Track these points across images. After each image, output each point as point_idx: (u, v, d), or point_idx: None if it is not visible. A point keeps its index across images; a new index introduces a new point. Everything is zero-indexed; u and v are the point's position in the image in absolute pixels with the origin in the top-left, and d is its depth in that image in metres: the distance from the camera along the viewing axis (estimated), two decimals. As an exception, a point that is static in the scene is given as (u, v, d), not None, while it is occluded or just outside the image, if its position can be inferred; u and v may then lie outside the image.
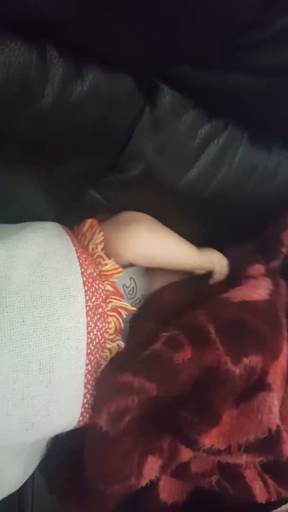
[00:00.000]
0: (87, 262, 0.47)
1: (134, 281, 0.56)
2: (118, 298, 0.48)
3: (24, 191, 0.52)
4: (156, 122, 0.48)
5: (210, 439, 0.43)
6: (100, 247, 0.50)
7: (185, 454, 0.47)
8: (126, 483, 0.46)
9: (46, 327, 0.41)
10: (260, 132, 0.55)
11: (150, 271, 0.60)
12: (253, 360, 0.44)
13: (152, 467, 0.46)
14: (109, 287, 0.47)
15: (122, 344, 0.47)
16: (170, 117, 0.48)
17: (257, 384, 0.45)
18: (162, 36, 0.40)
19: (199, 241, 0.58)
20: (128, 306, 0.48)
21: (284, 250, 0.59)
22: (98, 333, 0.44)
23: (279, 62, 0.43)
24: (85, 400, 0.44)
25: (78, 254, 0.47)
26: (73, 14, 0.37)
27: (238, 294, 0.51)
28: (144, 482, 0.46)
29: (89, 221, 0.52)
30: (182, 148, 0.51)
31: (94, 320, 0.44)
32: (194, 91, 0.47)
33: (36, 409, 0.41)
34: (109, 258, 0.49)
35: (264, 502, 0.54)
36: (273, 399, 0.44)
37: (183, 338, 0.45)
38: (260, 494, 0.54)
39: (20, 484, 0.48)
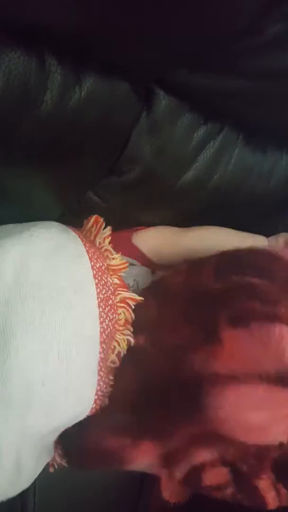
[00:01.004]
0: (96, 256, 0.48)
1: (137, 282, 0.57)
2: (125, 290, 0.49)
3: (24, 194, 0.53)
4: (153, 126, 0.49)
5: (223, 362, 0.42)
6: (107, 241, 0.51)
7: (200, 456, 0.46)
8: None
9: (63, 317, 0.42)
10: (255, 134, 0.56)
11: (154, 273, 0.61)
12: (258, 282, 0.44)
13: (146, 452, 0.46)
14: (116, 281, 0.48)
15: (131, 339, 0.47)
16: (167, 120, 0.49)
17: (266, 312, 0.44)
18: (158, 42, 0.41)
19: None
20: (135, 296, 0.49)
21: None
22: (110, 324, 0.46)
23: (273, 67, 0.43)
24: (98, 388, 0.46)
25: (87, 248, 0.48)
26: (71, 23, 0.38)
27: None
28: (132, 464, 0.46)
29: (93, 217, 0.53)
30: (179, 151, 0.52)
31: (105, 311, 0.46)
32: (190, 95, 0.48)
33: (55, 395, 0.42)
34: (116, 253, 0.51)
35: (274, 508, 0.54)
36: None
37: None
38: (272, 502, 0.54)
39: (33, 479, 0.49)
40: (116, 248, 0.56)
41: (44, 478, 0.52)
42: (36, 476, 0.49)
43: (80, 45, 0.40)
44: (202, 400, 0.43)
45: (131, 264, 0.57)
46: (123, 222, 0.60)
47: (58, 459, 0.51)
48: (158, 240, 0.61)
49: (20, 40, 0.37)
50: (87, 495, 0.67)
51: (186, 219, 0.62)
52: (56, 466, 0.52)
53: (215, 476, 0.53)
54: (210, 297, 0.45)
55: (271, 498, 0.53)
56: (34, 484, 0.61)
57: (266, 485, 0.53)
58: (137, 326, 0.48)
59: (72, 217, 0.58)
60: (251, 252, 0.50)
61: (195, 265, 0.50)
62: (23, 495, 0.63)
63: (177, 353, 0.44)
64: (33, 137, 0.43)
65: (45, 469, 0.53)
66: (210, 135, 0.53)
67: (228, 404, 0.43)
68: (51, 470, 0.52)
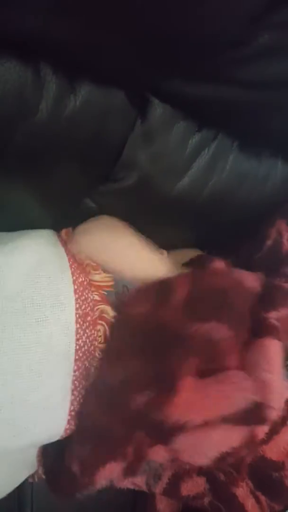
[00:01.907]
0: (79, 271, 0.48)
1: (127, 289, 0.57)
2: (103, 303, 0.48)
3: (21, 201, 0.54)
4: (148, 133, 0.49)
5: (174, 411, 0.41)
6: (83, 255, 0.50)
7: (155, 453, 0.45)
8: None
9: (37, 332, 0.42)
10: (250, 140, 0.57)
11: None
12: (219, 331, 0.43)
13: (111, 471, 0.45)
14: (96, 297, 0.48)
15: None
16: (161, 128, 0.49)
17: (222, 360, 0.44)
18: (152, 52, 0.42)
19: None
20: (109, 312, 0.48)
21: (269, 242, 0.59)
22: (87, 340, 0.45)
23: (264, 76, 0.44)
24: (72, 407, 0.45)
25: (71, 262, 0.48)
26: (66, 33, 0.39)
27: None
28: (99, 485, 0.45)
29: (63, 231, 0.53)
30: (174, 158, 0.52)
31: (83, 328, 0.45)
32: (184, 103, 0.48)
33: (24, 414, 0.41)
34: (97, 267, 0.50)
35: None
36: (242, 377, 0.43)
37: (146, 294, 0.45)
38: (253, 510, 0.54)
39: (6, 493, 0.48)
40: None
41: (42, 481, 0.52)
42: (10, 489, 0.49)
43: (75, 54, 0.41)
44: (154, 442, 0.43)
45: None
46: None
47: (40, 471, 0.50)
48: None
49: (16, 50, 0.38)
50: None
51: (182, 226, 0.62)
52: (36, 479, 0.51)
53: (193, 486, 0.54)
54: (175, 339, 0.43)
55: (250, 506, 0.54)
56: (31, 486, 0.61)
57: (244, 493, 0.53)
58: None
59: (69, 223, 0.59)
60: (224, 290, 0.48)
61: (162, 294, 0.46)
62: (20, 497, 0.62)
63: (124, 389, 0.43)
64: (28, 145, 0.43)
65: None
66: (204, 142, 0.53)
67: (182, 449, 0.43)
68: (30, 480, 0.52)
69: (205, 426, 0.41)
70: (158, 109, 0.48)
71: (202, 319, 0.43)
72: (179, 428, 0.41)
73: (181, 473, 0.54)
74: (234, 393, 0.42)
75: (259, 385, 0.42)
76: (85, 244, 0.51)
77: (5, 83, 0.38)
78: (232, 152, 0.56)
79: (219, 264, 0.52)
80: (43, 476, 0.50)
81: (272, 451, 0.53)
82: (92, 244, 0.51)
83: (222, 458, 0.43)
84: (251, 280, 0.50)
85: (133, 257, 0.53)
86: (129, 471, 0.45)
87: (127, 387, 0.42)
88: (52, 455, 0.48)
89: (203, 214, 0.61)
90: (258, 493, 0.54)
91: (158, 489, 0.55)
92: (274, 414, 0.42)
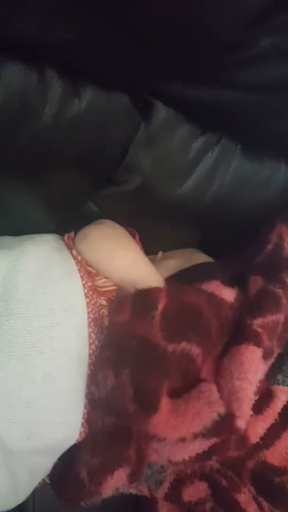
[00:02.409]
0: (87, 275, 0.48)
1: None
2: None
3: (24, 204, 0.54)
4: (151, 137, 0.49)
5: (154, 427, 0.42)
6: (83, 260, 0.49)
7: (152, 454, 0.46)
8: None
9: (49, 337, 0.42)
10: (252, 144, 0.57)
11: None
12: (192, 350, 0.43)
13: (118, 479, 0.45)
14: (104, 302, 0.47)
15: None
16: (165, 132, 0.49)
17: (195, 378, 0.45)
18: (155, 56, 0.42)
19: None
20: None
21: (269, 246, 0.58)
22: (100, 345, 0.45)
23: (266, 79, 0.44)
24: (85, 411, 0.45)
25: (78, 267, 0.48)
26: (70, 37, 0.39)
27: (210, 286, 0.50)
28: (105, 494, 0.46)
29: (66, 236, 0.52)
30: (177, 162, 0.53)
31: (95, 332, 0.45)
32: (187, 107, 0.48)
33: (39, 418, 0.41)
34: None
35: None
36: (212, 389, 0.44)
37: (126, 303, 0.45)
38: None
39: (30, 492, 0.48)
40: None
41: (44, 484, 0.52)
42: (32, 489, 0.49)
43: (79, 58, 0.41)
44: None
45: None
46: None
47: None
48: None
49: (21, 54, 0.38)
50: None
51: (184, 229, 0.62)
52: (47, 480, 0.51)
53: (194, 492, 0.54)
54: (153, 357, 0.43)
55: (252, 511, 0.53)
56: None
57: (246, 499, 0.53)
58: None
59: (72, 226, 0.59)
60: (195, 308, 0.47)
61: (141, 306, 0.46)
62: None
63: (113, 398, 0.43)
64: (32, 148, 0.43)
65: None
66: (207, 146, 0.53)
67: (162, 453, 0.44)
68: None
69: (180, 442, 0.42)
70: (161, 113, 0.48)
71: (177, 340, 0.44)
72: (161, 440, 0.43)
73: (182, 477, 0.55)
74: (203, 408, 0.42)
75: (229, 394, 0.43)
76: (83, 250, 0.49)
77: (10, 87, 0.38)
78: (235, 156, 0.56)
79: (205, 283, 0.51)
80: (47, 481, 0.50)
81: (274, 457, 0.53)
82: (89, 250, 0.50)
83: (199, 458, 0.45)
84: (228, 295, 0.50)
85: (127, 265, 0.51)
86: (134, 476, 0.45)
87: (118, 394, 0.43)
88: (60, 459, 0.48)
89: (206, 217, 0.61)
90: (261, 499, 0.54)
91: (160, 494, 0.55)
92: (240, 423, 0.42)
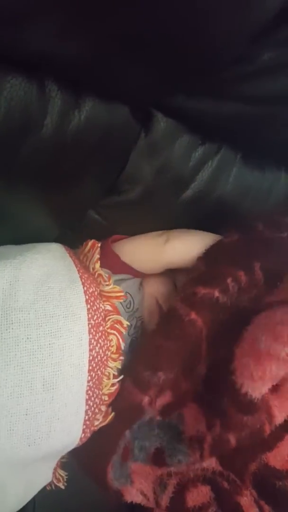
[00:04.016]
0: (89, 281, 0.48)
1: (130, 295, 0.57)
2: (115, 313, 0.49)
3: (26, 214, 0.54)
4: (152, 147, 0.50)
5: None
6: (97, 265, 0.51)
7: None
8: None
9: (49, 344, 0.42)
10: (253, 153, 0.57)
11: (143, 283, 0.61)
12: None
13: None
14: (108, 307, 0.48)
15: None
16: (165, 142, 0.50)
17: None
18: (156, 68, 0.42)
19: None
20: (123, 320, 0.49)
21: None
22: (100, 351, 0.45)
23: (266, 92, 0.45)
24: (86, 417, 0.45)
25: (80, 274, 0.48)
26: (71, 50, 0.39)
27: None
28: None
29: (90, 242, 0.53)
30: (178, 171, 0.53)
31: (96, 338, 0.45)
32: (187, 118, 0.49)
33: (39, 426, 0.42)
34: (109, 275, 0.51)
35: None
36: None
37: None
38: None
39: (22, 505, 0.48)
40: (104, 264, 0.55)
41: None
42: (26, 501, 0.49)
43: (79, 71, 0.41)
44: None
45: (122, 279, 0.58)
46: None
47: (55, 481, 0.51)
48: (136, 251, 0.59)
49: (21, 67, 0.39)
50: (85, 497, 0.67)
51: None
52: (53, 487, 0.52)
53: (198, 496, 0.54)
54: None
55: None
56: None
57: (248, 502, 0.53)
58: None
59: (73, 234, 0.60)
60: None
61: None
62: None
63: None
64: (33, 159, 0.44)
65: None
66: (208, 155, 0.54)
67: None
68: (48, 488, 0.52)
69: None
70: (161, 123, 0.48)
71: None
72: None
73: (185, 481, 0.55)
74: None
75: None
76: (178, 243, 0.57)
77: (11, 100, 0.39)
78: (235, 165, 0.56)
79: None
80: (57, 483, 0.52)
81: (276, 459, 0.53)
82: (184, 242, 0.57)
83: None
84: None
85: None
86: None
87: None
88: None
89: (206, 226, 0.61)
90: (262, 502, 0.54)
91: (164, 500, 0.55)
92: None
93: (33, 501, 0.63)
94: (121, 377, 0.48)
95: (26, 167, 0.44)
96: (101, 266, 0.55)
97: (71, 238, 0.58)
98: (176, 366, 0.50)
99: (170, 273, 0.61)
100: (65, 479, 0.52)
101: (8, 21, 0.35)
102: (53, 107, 0.41)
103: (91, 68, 0.42)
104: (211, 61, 0.41)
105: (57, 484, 0.52)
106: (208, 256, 0.55)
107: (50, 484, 0.52)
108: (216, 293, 0.49)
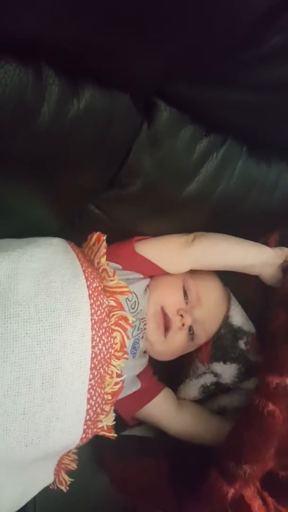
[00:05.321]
0: (93, 276, 0.47)
1: (136, 295, 0.56)
2: (119, 309, 0.47)
3: (25, 207, 0.53)
4: (154, 138, 0.48)
5: None
6: (103, 260, 0.49)
7: None
8: None
9: (50, 340, 0.40)
10: (259, 145, 0.55)
11: (150, 287, 0.60)
12: None
13: None
14: (112, 303, 0.47)
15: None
16: (168, 133, 0.48)
17: None
18: (159, 54, 0.41)
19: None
20: (128, 316, 0.47)
21: None
22: (103, 348, 0.44)
23: (272, 79, 0.43)
24: (87, 417, 0.44)
25: (84, 268, 0.47)
26: (68, 33, 0.37)
27: None
28: None
29: (96, 235, 0.52)
30: (181, 163, 0.51)
31: (99, 334, 0.43)
32: (191, 107, 0.47)
33: (37, 425, 0.40)
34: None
35: None
36: None
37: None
38: (259, 511, 0.53)
39: (19, 507, 0.47)
40: (119, 259, 0.56)
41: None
42: (24, 502, 0.48)
43: (78, 56, 0.40)
44: None
45: (128, 279, 0.57)
46: (126, 234, 0.60)
47: (58, 483, 0.50)
48: (162, 248, 0.60)
49: (16, 51, 0.37)
50: (86, 497, 0.67)
51: (188, 232, 0.61)
52: (56, 488, 0.51)
53: None
54: None
55: (257, 507, 0.53)
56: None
57: (251, 493, 0.53)
58: None
59: (74, 229, 0.58)
60: None
61: None
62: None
63: None
64: (30, 150, 0.42)
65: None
66: (212, 147, 0.52)
67: None
68: (51, 487, 0.51)
69: None
70: (164, 113, 0.47)
71: None
72: None
73: None
74: None
75: None
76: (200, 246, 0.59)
77: (5, 86, 0.37)
78: (241, 158, 0.55)
79: None
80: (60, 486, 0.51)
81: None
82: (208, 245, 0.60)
83: None
84: None
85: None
86: None
87: None
88: None
89: (210, 220, 0.60)
90: (265, 494, 0.55)
91: None
92: None
93: (33, 501, 0.62)
94: (125, 376, 0.47)
95: (22, 158, 0.43)
96: (120, 263, 0.55)
97: (72, 233, 0.56)
98: (259, 459, 0.51)
99: (180, 280, 0.61)
100: (68, 483, 0.51)
101: (1, 3, 0.33)
102: (51, 95, 0.39)
103: (90, 54, 0.40)
104: (215, 46, 0.39)
105: (60, 487, 0.51)
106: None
107: (53, 484, 0.51)
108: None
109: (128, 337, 0.47)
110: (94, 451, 0.64)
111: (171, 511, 0.54)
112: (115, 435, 0.49)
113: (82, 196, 0.54)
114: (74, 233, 0.57)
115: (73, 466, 0.50)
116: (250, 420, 0.52)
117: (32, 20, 0.35)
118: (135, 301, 0.55)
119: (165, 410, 0.62)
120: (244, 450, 0.51)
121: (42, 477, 0.49)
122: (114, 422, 0.49)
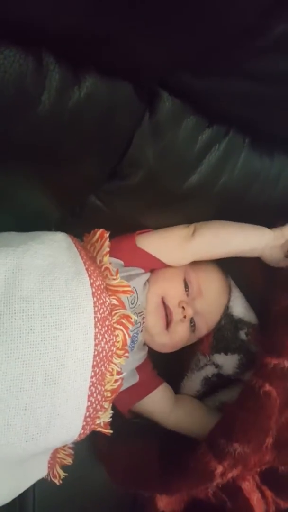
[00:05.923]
0: (95, 274, 0.47)
1: (136, 291, 0.56)
2: (121, 308, 0.47)
3: (25, 197, 0.52)
4: (156, 128, 0.47)
5: None
6: (105, 258, 0.49)
7: None
8: None
9: (54, 336, 0.40)
10: (262, 138, 0.55)
11: (150, 280, 0.60)
12: None
13: None
14: (114, 301, 0.47)
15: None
16: (170, 123, 0.47)
17: None
18: (162, 43, 0.40)
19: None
20: (130, 315, 0.47)
21: None
22: (106, 346, 0.44)
23: (277, 69, 0.42)
24: (87, 414, 0.44)
25: (87, 266, 0.47)
26: (70, 20, 0.37)
27: None
28: None
29: (99, 232, 0.52)
30: (183, 154, 0.51)
31: (102, 332, 0.43)
32: (194, 97, 0.46)
33: (38, 421, 0.40)
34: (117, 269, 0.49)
35: None
36: None
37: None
38: (258, 505, 0.54)
39: (9, 500, 0.47)
40: (121, 254, 0.55)
41: (43, 480, 0.52)
42: (16, 494, 0.48)
43: (79, 43, 0.39)
44: None
45: (130, 275, 0.56)
46: (127, 227, 0.59)
47: (52, 476, 0.50)
48: (164, 241, 0.60)
49: (16, 37, 0.36)
50: (85, 496, 0.67)
51: (189, 223, 0.60)
52: (49, 480, 0.51)
53: None
54: None
55: (255, 500, 0.53)
56: (33, 486, 0.60)
57: (250, 487, 0.54)
58: None
59: (74, 221, 0.57)
60: None
61: None
62: (22, 496, 0.61)
63: None
64: (30, 138, 0.41)
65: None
66: (215, 139, 0.51)
67: None
68: (49, 479, 0.51)
69: None
70: (167, 103, 0.46)
71: None
72: None
73: None
74: None
75: None
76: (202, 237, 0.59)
77: (4, 73, 0.36)
78: (243, 150, 0.54)
79: None
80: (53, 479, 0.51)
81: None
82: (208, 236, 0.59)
83: None
84: None
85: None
86: None
87: None
88: None
89: (212, 212, 0.59)
90: (264, 488, 0.55)
91: None
92: None
93: (33, 501, 0.63)
94: (124, 373, 0.47)
95: (21, 146, 0.42)
96: (122, 258, 0.55)
97: (73, 225, 0.56)
98: (252, 440, 0.50)
99: (181, 272, 0.61)
100: (61, 477, 0.51)
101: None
102: (51, 82, 0.39)
103: (92, 41, 0.39)
104: (219, 34, 0.38)
105: (53, 480, 0.51)
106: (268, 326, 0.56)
107: (48, 475, 0.51)
108: (286, 363, 0.51)
109: (129, 336, 0.47)
110: (91, 445, 0.64)
111: (158, 488, 0.54)
112: (111, 431, 0.49)
113: (82, 186, 0.53)
114: (75, 224, 0.56)
115: (69, 461, 0.51)
116: (246, 399, 0.52)
117: (33, 5, 0.34)
118: (134, 297, 0.55)
119: (161, 406, 0.62)
120: (235, 428, 0.51)
121: (37, 470, 0.50)
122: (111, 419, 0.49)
